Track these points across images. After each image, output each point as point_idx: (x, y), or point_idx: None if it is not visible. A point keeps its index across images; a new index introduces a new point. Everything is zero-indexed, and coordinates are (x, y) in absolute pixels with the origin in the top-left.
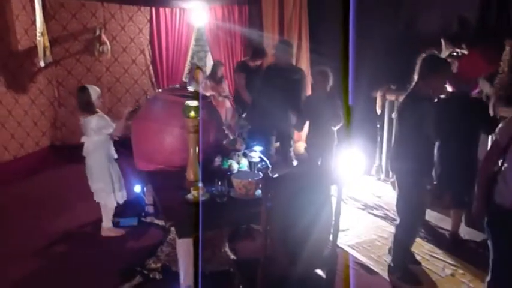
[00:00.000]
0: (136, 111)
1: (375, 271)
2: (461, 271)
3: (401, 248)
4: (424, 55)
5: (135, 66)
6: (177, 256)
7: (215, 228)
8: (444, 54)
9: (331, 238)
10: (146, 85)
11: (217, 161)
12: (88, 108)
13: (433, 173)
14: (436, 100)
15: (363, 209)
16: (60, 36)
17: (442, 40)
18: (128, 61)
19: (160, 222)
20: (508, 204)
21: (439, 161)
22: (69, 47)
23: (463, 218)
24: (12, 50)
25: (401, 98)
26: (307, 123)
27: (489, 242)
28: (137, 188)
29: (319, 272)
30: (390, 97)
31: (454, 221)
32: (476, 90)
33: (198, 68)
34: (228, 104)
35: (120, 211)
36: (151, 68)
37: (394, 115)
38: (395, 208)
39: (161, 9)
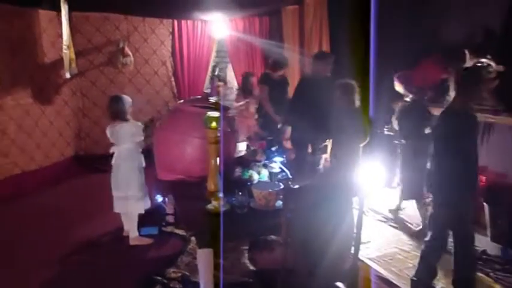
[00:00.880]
0: (152, 122)
1: (396, 285)
2: None
3: (426, 264)
4: (463, 69)
5: (157, 77)
6: (197, 266)
7: (235, 239)
8: (468, 64)
9: (352, 250)
10: (167, 96)
11: (238, 171)
12: (121, 115)
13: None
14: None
15: (384, 222)
16: (85, 49)
17: (465, 51)
18: (150, 72)
19: (181, 232)
20: None
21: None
22: (94, 59)
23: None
24: (39, 62)
25: None
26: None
27: None
28: (159, 198)
29: (339, 285)
30: None
31: None
32: None
33: (219, 79)
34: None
35: (141, 220)
36: (172, 79)
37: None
38: (416, 221)
39: (183, 22)
